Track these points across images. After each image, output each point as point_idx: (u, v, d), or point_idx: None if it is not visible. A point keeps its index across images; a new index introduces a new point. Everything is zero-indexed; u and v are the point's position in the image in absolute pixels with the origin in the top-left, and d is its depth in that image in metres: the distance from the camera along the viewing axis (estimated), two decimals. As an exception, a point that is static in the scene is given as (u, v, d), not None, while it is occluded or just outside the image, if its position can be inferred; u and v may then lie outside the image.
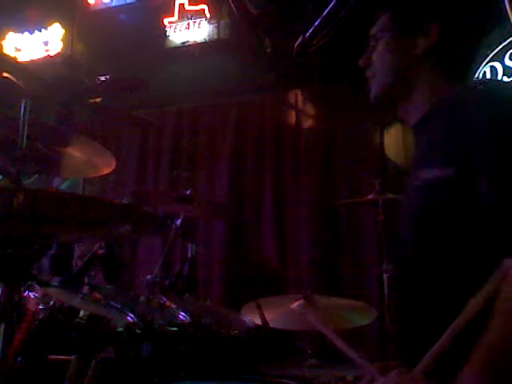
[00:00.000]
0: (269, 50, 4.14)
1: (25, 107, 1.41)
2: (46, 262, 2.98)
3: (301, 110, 4.12)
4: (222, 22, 4.56)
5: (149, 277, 2.18)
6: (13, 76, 1.57)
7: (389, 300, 2.66)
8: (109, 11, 5.05)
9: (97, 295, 1.89)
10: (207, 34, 4.59)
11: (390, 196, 2.79)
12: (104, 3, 5.09)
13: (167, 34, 4.70)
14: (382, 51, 1.24)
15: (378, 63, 1.24)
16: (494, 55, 3.38)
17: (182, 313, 1.99)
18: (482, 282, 0.88)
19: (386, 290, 2.71)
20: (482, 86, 1.13)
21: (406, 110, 1.23)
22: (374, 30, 1.28)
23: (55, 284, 2.02)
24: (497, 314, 0.83)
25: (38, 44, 5.15)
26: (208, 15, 4.63)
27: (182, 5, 4.74)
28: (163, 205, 2.78)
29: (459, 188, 0.97)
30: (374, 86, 1.25)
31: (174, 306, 2.03)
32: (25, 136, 1.40)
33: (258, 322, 2.01)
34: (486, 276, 0.88)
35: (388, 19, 1.25)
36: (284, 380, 1.71)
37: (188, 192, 2.52)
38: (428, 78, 1.19)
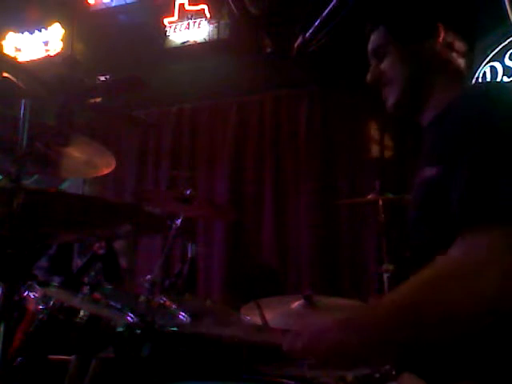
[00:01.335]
0: (269, 50, 4.14)
1: (25, 107, 1.41)
2: (44, 262, 2.99)
3: (301, 109, 4.12)
4: (222, 22, 4.56)
5: (149, 277, 2.18)
6: (13, 76, 1.58)
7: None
8: (109, 11, 5.05)
9: (97, 295, 1.89)
10: (207, 34, 4.59)
11: (390, 196, 2.79)
12: (104, 3, 5.10)
13: (167, 34, 4.71)
14: (393, 62, 1.22)
15: (392, 74, 1.22)
16: (494, 55, 3.38)
17: (181, 313, 1.99)
18: None
19: (386, 290, 2.71)
20: (480, 88, 1.13)
21: (423, 114, 1.22)
22: (371, 47, 1.26)
23: (55, 284, 2.02)
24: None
25: (38, 44, 5.16)
26: (208, 15, 4.64)
27: (182, 5, 4.74)
28: (163, 205, 2.77)
29: (444, 185, 0.98)
30: (392, 95, 1.23)
31: (173, 306, 2.03)
32: (25, 136, 1.40)
33: (258, 322, 2.01)
34: None
35: (385, 33, 1.24)
36: (284, 380, 1.71)
37: (188, 192, 2.51)
38: (440, 79, 1.19)
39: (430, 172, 1.04)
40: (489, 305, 0.81)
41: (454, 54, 1.19)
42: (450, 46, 1.18)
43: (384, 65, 1.23)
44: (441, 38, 1.17)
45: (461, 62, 1.20)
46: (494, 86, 1.17)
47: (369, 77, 1.27)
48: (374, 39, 1.26)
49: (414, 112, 1.24)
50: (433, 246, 1.03)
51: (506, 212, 0.84)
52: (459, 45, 1.20)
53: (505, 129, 0.94)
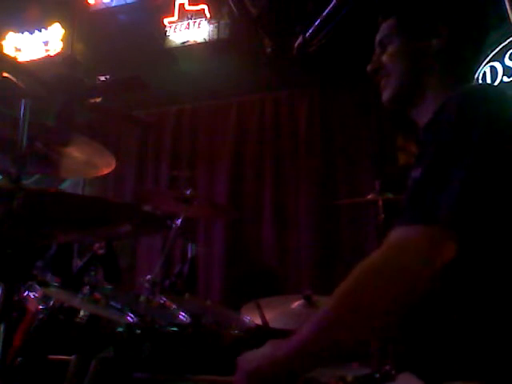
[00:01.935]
0: (269, 49, 4.14)
1: (25, 107, 1.42)
2: (45, 262, 2.98)
3: (301, 110, 4.12)
4: (222, 22, 4.56)
5: (149, 277, 2.18)
6: (13, 76, 1.58)
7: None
8: (109, 11, 5.05)
9: (97, 295, 1.89)
10: (207, 34, 4.59)
11: (390, 196, 2.79)
12: (104, 3, 5.10)
13: (167, 34, 4.71)
14: (393, 55, 1.22)
15: (391, 66, 1.22)
16: (494, 55, 3.38)
17: (182, 313, 1.99)
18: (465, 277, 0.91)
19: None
20: (467, 89, 1.13)
21: (418, 113, 1.22)
22: (379, 37, 1.27)
23: (55, 284, 2.02)
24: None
25: (38, 44, 5.16)
26: (208, 15, 4.64)
27: (182, 5, 4.74)
28: (163, 205, 2.78)
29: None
30: (388, 87, 1.23)
31: (173, 306, 2.03)
32: (25, 136, 1.40)
33: (258, 321, 2.01)
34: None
35: (394, 24, 1.24)
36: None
37: (188, 192, 2.51)
38: (439, 80, 1.19)
39: (415, 173, 1.05)
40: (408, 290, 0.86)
41: (458, 57, 1.19)
42: (455, 48, 1.18)
43: (385, 56, 1.24)
44: (444, 39, 1.17)
45: (465, 64, 1.20)
46: (484, 89, 1.16)
47: (369, 66, 1.28)
48: (382, 29, 1.27)
49: (408, 107, 1.24)
50: None
51: (435, 215, 0.88)
52: (465, 47, 1.20)
53: (484, 132, 0.92)
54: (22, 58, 5.10)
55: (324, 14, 3.33)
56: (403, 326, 1.17)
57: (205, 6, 4.65)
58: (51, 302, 1.70)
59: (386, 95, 1.25)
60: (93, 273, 2.93)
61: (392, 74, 1.23)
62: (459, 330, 0.95)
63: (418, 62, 1.20)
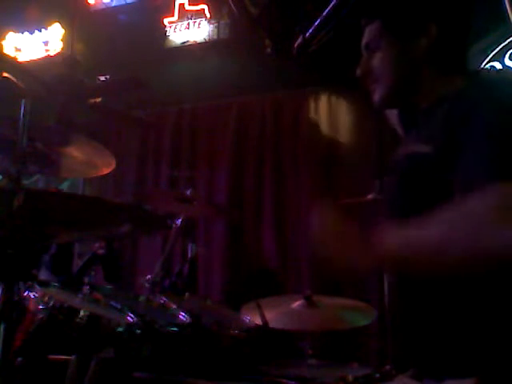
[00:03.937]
0: (269, 50, 4.14)
1: (25, 107, 1.42)
2: (45, 262, 2.98)
3: (301, 110, 4.12)
4: (222, 22, 4.56)
5: (149, 277, 2.18)
6: (13, 76, 1.58)
7: (389, 300, 2.66)
8: (109, 11, 5.05)
9: (97, 295, 1.89)
10: (207, 34, 4.59)
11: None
12: (104, 3, 5.09)
13: (167, 34, 4.71)
14: (382, 59, 1.22)
15: (381, 69, 1.23)
16: (494, 55, 3.39)
17: (182, 313, 1.99)
18: None
19: (385, 290, 2.71)
20: (487, 78, 1.15)
21: (415, 101, 1.24)
22: (365, 40, 1.27)
23: (55, 284, 2.02)
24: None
25: (38, 44, 5.16)
26: (208, 15, 4.63)
27: (182, 5, 4.74)
28: (163, 205, 2.78)
29: (435, 164, 1.03)
30: (379, 91, 1.24)
31: (173, 306, 2.03)
32: (25, 136, 1.40)
33: (258, 321, 2.01)
34: None
35: (379, 27, 1.24)
36: (284, 380, 1.72)
37: (188, 192, 2.51)
38: (430, 77, 1.19)
39: (423, 148, 1.07)
40: None
41: (449, 49, 1.20)
42: (445, 43, 1.19)
43: (373, 60, 1.24)
44: (433, 37, 1.17)
45: (457, 54, 1.21)
46: (496, 78, 1.19)
47: (358, 70, 1.28)
48: (368, 33, 1.27)
49: (399, 106, 1.29)
50: (414, 207, 1.09)
51: None
52: (455, 40, 1.20)
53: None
54: (22, 58, 5.10)
55: (324, 13, 3.33)
56: (404, 323, 1.18)
57: (205, 6, 4.65)
58: (51, 302, 1.70)
59: (376, 98, 1.26)
60: (93, 273, 2.93)
61: (381, 78, 1.23)
62: (460, 327, 0.95)
63: (408, 63, 1.21)
